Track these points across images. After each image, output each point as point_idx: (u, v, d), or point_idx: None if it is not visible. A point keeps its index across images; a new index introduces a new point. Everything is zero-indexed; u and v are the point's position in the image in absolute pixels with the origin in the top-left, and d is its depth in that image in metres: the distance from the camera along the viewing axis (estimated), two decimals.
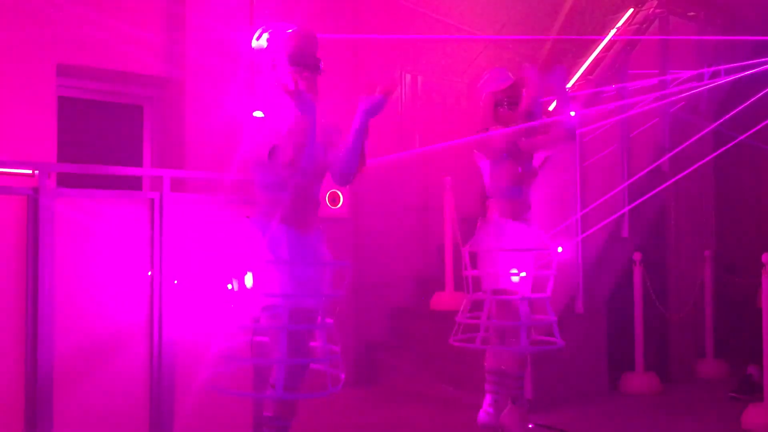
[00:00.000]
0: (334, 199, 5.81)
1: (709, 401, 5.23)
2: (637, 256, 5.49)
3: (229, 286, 3.00)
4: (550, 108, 4.98)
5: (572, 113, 3.84)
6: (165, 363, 3.54)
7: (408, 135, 6.55)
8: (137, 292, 3.53)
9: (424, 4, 6.69)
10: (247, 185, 3.32)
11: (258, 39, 3.09)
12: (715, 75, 6.12)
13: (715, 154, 4.52)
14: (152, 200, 3.57)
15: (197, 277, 3.64)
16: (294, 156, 2.85)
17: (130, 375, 3.49)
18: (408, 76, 6.64)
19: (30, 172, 3.45)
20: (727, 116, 4.33)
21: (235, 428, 3.72)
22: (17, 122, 4.79)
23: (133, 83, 5.50)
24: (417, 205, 6.47)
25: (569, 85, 6.54)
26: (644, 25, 6.19)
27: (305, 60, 3.02)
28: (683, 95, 5.68)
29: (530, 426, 4.17)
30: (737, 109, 4.42)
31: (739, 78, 6.04)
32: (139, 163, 5.62)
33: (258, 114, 3.01)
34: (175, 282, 3.53)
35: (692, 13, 6.32)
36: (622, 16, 6.73)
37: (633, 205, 4.33)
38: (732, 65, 5.75)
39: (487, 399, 4.06)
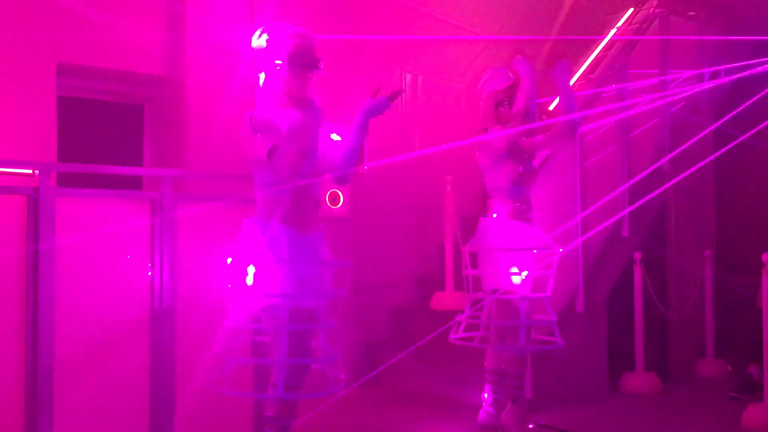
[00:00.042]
0: (335, 199, 5.81)
1: (709, 401, 5.23)
2: (637, 255, 5.49)
3: (229, 285, 3.01)
4: (551, 107, 4.98)
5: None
6: (166, 363, 3.54)
7: (408, 135, 6.55)
8: (138, 291, 3.52)
9: (424, 3, 6.69)
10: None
11: (258, 39, 3.09)
12: (715, 75, 6.12)
13: (715, 154, 4.53)
14: (153, 200, 3.56)
15: (198, 277, 3.63)
16: (297, 159, 2.86)
17: (130, 375, 3.49)
18: (408, 76, 6.64)
19: (30, 171, 3.45)
20: (728, 117, 4.33)
21: (235, 428, 3.72)
22: (17, 122, 4.79)
23: (133, 83, 5.50)
24: (417, 205, 6.47)
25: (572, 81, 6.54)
26: (644, 25, 6.19)
27: (304, 60, 3.03)
28: (683, 95, 5.68)
29: (530, 426, 4.18)
30: (738, 110, 4.42)
31: (739, 78, 6.04)
32: (139, 163, 5.62)
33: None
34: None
35: (692, 13, 6.32)
36: (622, 16, 6.73)
37: (634, 206, 4.34)
38: (732, 65, 5.76)
39: (488, 399, 4.07)
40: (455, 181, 6.07)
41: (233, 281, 2.95)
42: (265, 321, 2.96)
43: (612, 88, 5.62)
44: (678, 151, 4.90)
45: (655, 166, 5.25)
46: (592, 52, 6.72)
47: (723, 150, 4.38)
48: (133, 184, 5.26)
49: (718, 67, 6.05)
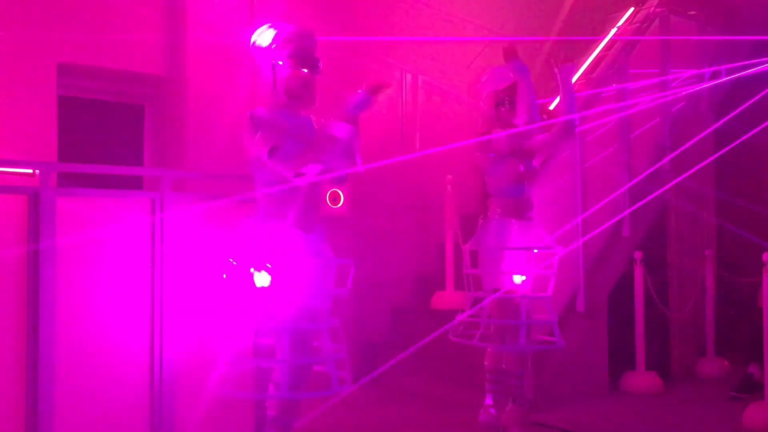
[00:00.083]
0: (335, 199, 5.81)
1: (710, 400, 5.23)
2: (637, 254, 5.48)
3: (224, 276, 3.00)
4: (552, 107, 4.98)
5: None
6: (166, 363, 3.53)
7: (409, 134, 6.55)
8: (138, 291, 3.52)
9: (428, 3, 6.68)
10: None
11: (258, 38, 3.10)
12: (715, 74, 6.12)
13: (716, 155, 4.52)
14: (153, 200, 3.56)
15: (198, 277, 3.63)
16: (301, 161, 2.87)
17: (131, 375, 3.49)
18: (408, 76, 6.64)
19: (31, 171, 3.45)
20: (728, 117, 4.32)
21: (236, 429, 3.72)
22: (18, 122, 4.79)
23: (133, 82, 5.50)
24: (417, 204, 6.47)
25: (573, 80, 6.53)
26: (645, 25, 6.19)
27: (304, 60, 3.03)
28: (683, 93, 5.68)
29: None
30: (738, 110, 4.41)
31: (739, 77, 6.03)
32: (139, 163, 5.62)
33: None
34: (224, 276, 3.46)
35: (693, 12, 6.32)
36: (623, 15, 6.73)
37: (635, 207, 4.34)
38: (732, 65, 5.75)
39: (488, 398, 4.07)
40: (456, 181, 6.07)
41: (239, 282, 2.95)
42: (267, 321, 2.96)
43: (612, 87, 5.62)
44: (679, 151, 4.90)
45: (655, 167, 5.25)
46: (593, 52, 6.72)
47: (724, 150, 4.37)
48: (134, 183, 5.27)
49: (719, 67, 6.05)
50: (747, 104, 4.45)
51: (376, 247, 6.12)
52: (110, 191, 3.56)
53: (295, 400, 3.01)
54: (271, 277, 2.90)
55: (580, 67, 6.53)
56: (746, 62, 5.27)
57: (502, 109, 3.99)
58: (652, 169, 5.23)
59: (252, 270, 2.91)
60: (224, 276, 2.97)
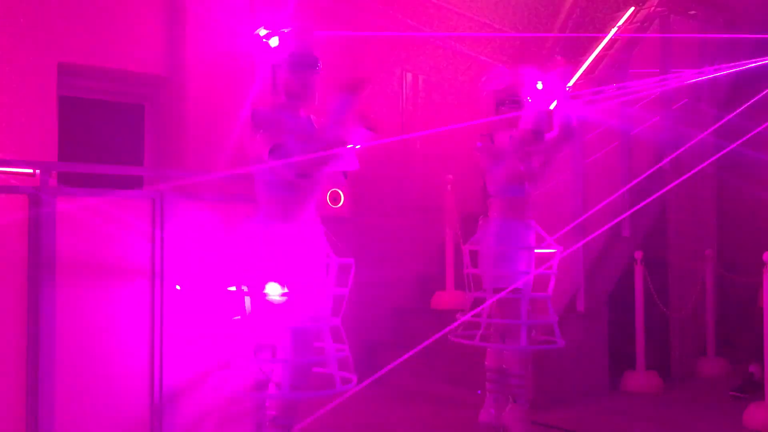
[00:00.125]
0: (335, 198, 5.81)
1: (710, 400, 5.22)
2: (638, 254, 5.48)
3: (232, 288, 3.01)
4: (552, 106, 4.97)
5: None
6: (166, 362, 3.53)
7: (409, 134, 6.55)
8: (139, 291, 3.52)
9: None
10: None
11: (258, 37, 3.10)
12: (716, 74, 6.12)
13: (718, 155, 4.51)
14: (153, 199, 3.56)
15: (199, 277, 3.63)
16: (307, 166, 2.87)
17: (131, 374, 3.49)
18: (409, 75, 6.64)
19: (31, 171, 3.45)
20: (729, 117, 4.32)
21: (236, 429, 3.72)
22: (18, 121, 4.79)
23: (134, 82, 5.50)
24: (418, 204, 6.47)
25: (571, 83, 6.52)
26: (645, 24, 6.19)
27: (304, 59, 3.03)
28: (682, 84, 5.68)
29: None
30: (738, 110, 4.41)
31: (740, 77, 6.03)
32: (139, 162, 5.62)
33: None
34: (178, 287, 3.52)
35: (693, 12, 6.32)
36: (623, 15, 6.73)
37: (636, 208, 4.33)
38: (732, 64, 5.75)
39: (488, 398, 4.07)
40: (456, 181, 6.07)
41: (242, 284, 2.95)
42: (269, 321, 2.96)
43: (613, 87, 5.62)
44: (680, 151, 4.89)
45: (656, 167, 5.24)
46: (593, 51, 6.72)
47: (725, 150, 4.37)
48: (134, 183, 5.26)
49: (719, 65, 6.04)
50: (748, 103, 4.45)
51: (376, 247, 6.12)
52: (110, 191, 3.56)
53: (295, 400, 3.01)
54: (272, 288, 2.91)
55: (581, 66, 6.53)
56: (747, 62, 5.27)
57: (504, 108, 3.99)
58: (652, 170, 5.23)
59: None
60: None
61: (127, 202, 3.54)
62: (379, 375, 3.04)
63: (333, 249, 3.12)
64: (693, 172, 4.24)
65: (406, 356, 3.05)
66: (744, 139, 4.37)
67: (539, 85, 3.86)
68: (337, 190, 5.75)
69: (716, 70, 6.07)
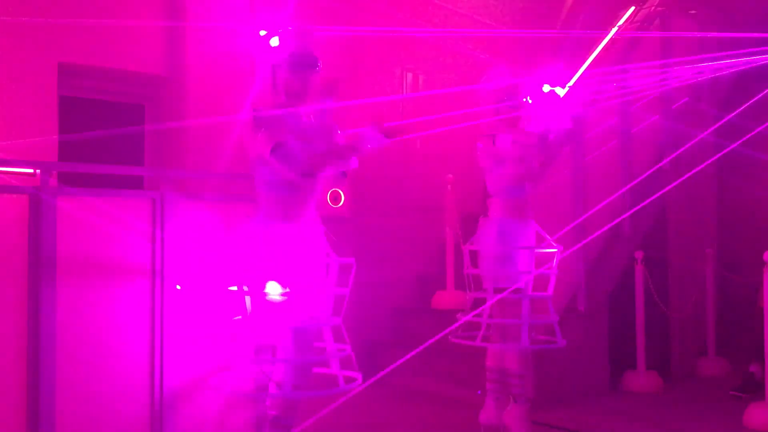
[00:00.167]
0: (336, 198, 5.81)
1: (710, 400, 5.22)
2: (638, 254, 5.48)
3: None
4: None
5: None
6: (167, 362, 3.54)
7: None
8: (139, 291, 3.52)
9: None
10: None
11: (258, 37, 3.10)
12: (716, 72, 6.11)
13: (719, 154, 4.51)
14: (153, 199, 3.56)
15: (199, 277, 3.63)
16: (310, 163, 2.88)
17: (132, 375, 3.49)
18: (409, 75, 6.64)
19: (32, 171, 3.45)
20: (730, 116, 4.32)
21: (236, 428, 3.72)
22: (19, 121, 4.79)
23: (134, 82, 5.50)
24: (418, 204, 6.47)
25: (571, 82, 6.51)
26: (645, 24, 6.19)
27: (304, 59, 3.03)
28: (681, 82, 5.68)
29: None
30: (739, 110, 4.40)
31: (740, 77, 6.02)
32: (140, 162, 5.62)
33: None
34: (178, 287, 3.53)
35: (693, 11, 6.32)
36: (624, 14, 6.72)
37: (637, 208, 4.33)
38: (732, 62, 5.74)
39: (489, 398, 4.06)
40: (456, 180, 6.07)
41: (243, 284, 2.95)
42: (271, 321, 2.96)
43: (613, 86, 5.61)
44: (680, 150, 4.89)
45: (657, 167, 5.24)
46: (594, 51, 6.71)
47: (726, 150, 4.37)
48: (135, 183, 5.27)
49: (720, 64, 6.04)
50: (749, 103, 4.44)
51: (376, 247, 6.12)
52: (111, 191, 3.56)
53: (295, 400, 3.02)
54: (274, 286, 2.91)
55: (581, 66, 6.52)
56: (747, 60, 5.26)
57: (503, 108, 3.98)
58: (653, 169, 5.23)
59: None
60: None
61: (127, 202, 3.55)
62: (381, 375, 3.04)
63: (333, 249, 3.12)
64: (693, 171, 4.24)
65: (407, 356, 3.05)
66: (744, 138, 4.37)
67: (546, 88, 3.86)
68: (337, 189, 5.75)
69: (716, 69, 6.07)
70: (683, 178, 4.32)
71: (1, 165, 3.78)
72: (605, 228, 4.25)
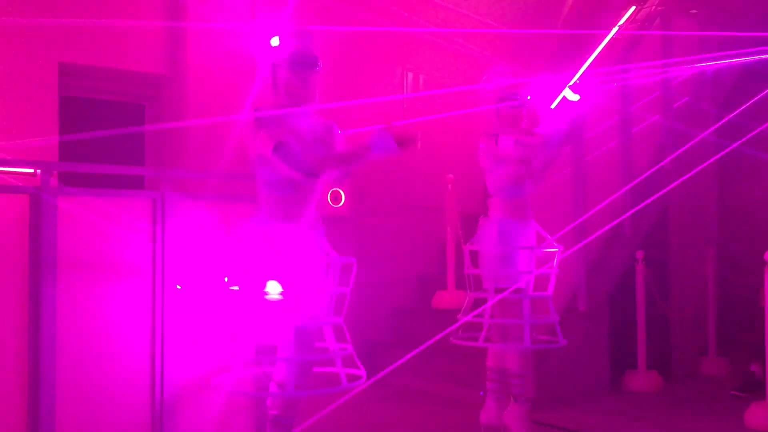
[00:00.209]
0: (336, 198, 5.81)
1: (711, 399, 5.22)
2: (639, 254, 5.48)
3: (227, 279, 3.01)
4: (553, 105, 4.97)
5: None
6: (168, 363, 3.53)
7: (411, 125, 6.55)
8: (140, 291, 3.52)
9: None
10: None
11: (259, 37, 3.10)
12: (717, 72, 6.11)
13: (720, 153, 4.51)
14: (154, 199, 3.56)
15: (200, 277, 3.63)
16: (318, 168, 2.89)
17: (133, 375, 3.49)
18: (410, 75, 6.64)
19: (32, 171, 3.45)
20: (731, 115, 4.32)
21: (237, 428, 3.72)
22: (19, 121, 4.79)
23: (134, 82, 5.50)
24: (419, 204, 6.48)
25: (573, 81, 6.51)
26: (646, 23, 6.18)
27: (304, 59, 3.03)
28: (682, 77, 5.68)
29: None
30: (740, 109, 4.40)
31: (741, 76, 6.02)
32: (140, 162, 5.63)
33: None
34: (178, 287, 3.53)
35: (694, 11, 6.31)
36: (624, 14, 6.72)
37: (638, 208, 4.33)
38: (733, 62, 5.74)
39: (489, 398, 4.06)
40: (457, 180, 6.06)
41: (244, 283, 2.95)
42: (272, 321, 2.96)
43: (614, 85, 5.61)
44: (681, 150, 4.89)
45: (657, 166, 5.24)
46: (594, 50, 6.71)
47: (728, 149, 4.36)
48: (135, 183, 5.27)
49: (721, 63, 6.04)
50: (750, 102, 4.44)
51: (377, 247, 6.12)
52: (111, 191, 3.56)
53: (296, 399, 3.02)
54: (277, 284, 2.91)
55: (581, 66, 6.51)
56: (747, 59, 5.25)
57: (504, 107, 3.97)
58: (653, 169, 5.23)
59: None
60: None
61: (127, 201, 3.54)
62: (382, 375, 3.04)
63: (334, 248, 3.12)
64: (694, 171, 4.23)
65: (408, 356, 3.05)
66: (745, 138, 4.37)
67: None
68: (337, 189, 5.75)
69: (716, 69, 6.07)
70: (684, 177, 4.32)
71: (2, 165, 3.78)
72: (606, 228, 4.24)
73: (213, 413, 3.64)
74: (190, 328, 3.60)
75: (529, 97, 4.01)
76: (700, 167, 4.34)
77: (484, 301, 3.91)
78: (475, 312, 3.82)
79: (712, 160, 5.01)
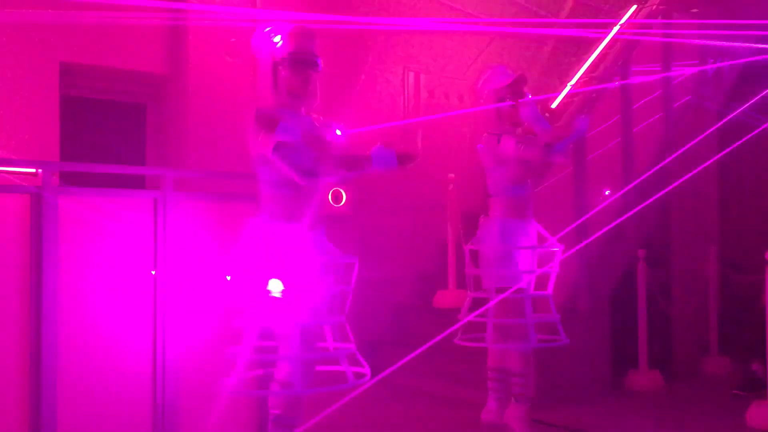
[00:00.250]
0: (337, 197, 5.81)
1: (713, 398, 5.22)
2: (640, 253, 5.47)
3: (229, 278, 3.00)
4: (554, 105, 4.97)
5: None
6: (169, 363, 3.54)
7: (411, 134, 6.55)
8: (141, 291, 3.52)
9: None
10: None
11: (260, 36, 3.10)
12: (719, 71, 6.11)
13: (722, 153, 4.51)
14: (155, 199, 3.56)
15: (201, 277, 3.63)
16: (313, 170, 2.89)
17: (134, 374, 3.49)
18: (411, 74, 6.64)
19: (33, 170, 3.46)
20: (733, 114, 4.32)
21: (238, 428, 3.72)
22: (20, 121, 4.80)
23: (135, 81, 5.51)
24: (420, 203, 6.47)
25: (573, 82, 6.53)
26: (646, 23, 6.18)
27: (305, 58, 3.03)
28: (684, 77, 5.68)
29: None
30: (741, 108, 4.40)
31: (743, 75, 6.02)
32: (141, 162, 5.63)
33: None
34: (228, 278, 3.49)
35: (695, 10, 6.31)
36: (625, 14, 6.73)
37: (639, 207, 4.33)
38: (733, 61, 5.74)
39: (491, 397, 4.06)
40: (458, 180, 6.06)
41: (245, 282, 2.95)
42: (275, 321, 2.96)
43: (615, 84, 5.61)
44: (683, 149, 4.89)
45: (659, 165, 5.25)
46: (595, 50, 6.72)
47: (730, 149, 4.37)
48: (136, 182, 5.27)
49: (722, 63, 6.04)
50: (752, 101, 4.44)
51: (378, 246, 6.12)
52: (112, 191, 3.57)
53: (300, 398, 3.02)
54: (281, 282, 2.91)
55: (582, 65, 6.52)
56: (748, 59, 5.25)
57: (504, 107, 3.97)
58: (655, 168, 5.23)
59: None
60: (228, 278, 2.99)
61: (129, 201, 3.55)
62: (384, 374, 3.04)
63: (336, 248, 3.12)
64: (696, 170, 4.23)
65: (410, 356, 3.05)
66: (747, 137, 4.37)
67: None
68: (339, 189, 5.75)
69: (718, 68, 6.06)
70: (686, 177, 4.31)
71: (3, 164, 3.78)
72: (606, 228, 4.24)
73: (215, 412, 3.64)
74: (192, 328, 3.60)
75: (530, 96, 4.00)
76: (701, 166, 4.34)
77: (483, 301, 3.90)
78: (477, 312, 3.82)
79: (714, 159, 5.02)
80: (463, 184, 6.05)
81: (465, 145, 6.31)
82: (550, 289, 3.97)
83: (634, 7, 6.65)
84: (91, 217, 3.39)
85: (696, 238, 6.16)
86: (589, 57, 6.76)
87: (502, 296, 3.72)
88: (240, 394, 3.25)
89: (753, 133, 4.28)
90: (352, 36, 5.82)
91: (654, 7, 6.23)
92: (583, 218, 4.60)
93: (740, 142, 4.29)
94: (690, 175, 4.31)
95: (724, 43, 5.75)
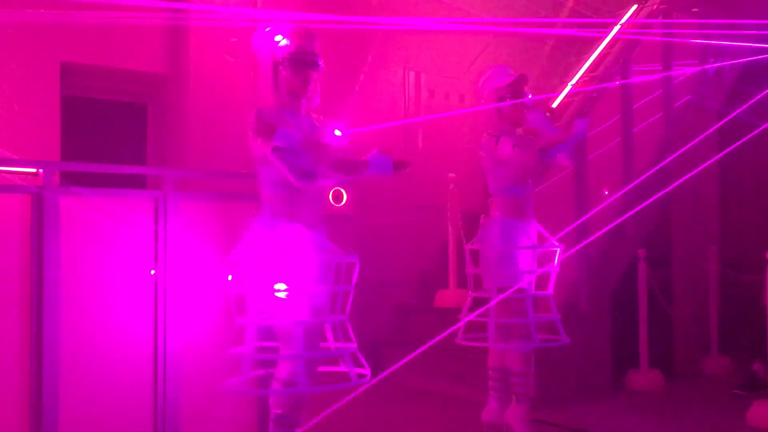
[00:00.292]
0: (338, 197, 5.81)
1: (713, 398, 5.22)
2: (641, 252, 5.47)
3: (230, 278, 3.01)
4: (554, 104, 4.97)
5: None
6: (170, 363, 3.54)
7: (412, 133, 6.55)
8: (142, 290, 3.53)
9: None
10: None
11: (260, 36, 3.10)
12: (719, 70, 6.11)
13: (722, 153, 4.51)
14: (156, 199, 3.57)
15: (202, 277, 3.64)
16: (311, 172, 2.90)
17: (135, 374, 3.49)
18: (411, 74, 6.64)
19: (34, 170, 3.46)
20: (733, 114, 4.32)
21: (239, 427, 3.72)
22: (21, 121, 4.80)
23: (136, 81, 5.51)
24: (420, 203, 6.48)
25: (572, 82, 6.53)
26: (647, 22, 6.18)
27: (305, 58, 3.03)
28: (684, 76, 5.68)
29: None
30: (742, 108, 4.40)
31: (744, 74, 6.01)
32: (142, 162, 5.63)
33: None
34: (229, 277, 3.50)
35: (695, 10, 6.31)
36: (626, 13, 6.72)
37: (640, 207, 4.33)
38: (734, 61, 5.74)
39: (491, 397, 4.06)
40: (459, 180, 6.06)
41: (246, 281, 2.95)
42: (278, 320, 2.96)
43: (615, 84, 5.61)
44: (683, 149, 4.89)
45: (660, 165, 5.25)
46: (596, 49, 6.71)
47: (730, 148, 4.37)
48: (137, 182, 5.27)
49: (723, 63, 6.04)
50: (752, 101, 4.44)
51: (378, 246, 6.12)
52: (113, 190, 3.57)
53: (301, 398, 3.02)
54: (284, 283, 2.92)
55: (583, 65, 6.51)
56: (748, 58, 5.25)
57: (504, 106, 3.96)
58: (655, 168, 5.23)
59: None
60: (229, 278, 3.00)
61: (130, 201, 3.55)
62: (386, 374, 3.04)
63: (336, 247, 3.12)
64: (696, 170, 4.23)
65: (411, 356, 3.06)
66: (748, 137, 4.36)
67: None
68: (339, 189, 5.75)
69: (719, 68, 6.06)
70: (687, 176, 4.31)
71: (4, 164, 3.79)
72: (607, 228, 4.24)
73: (216, 413, 3.64)
74: (193, 328, 3.61)
75: (530, 96, 4.00)
76: (701, 166, 4.34)
77: (484, 300, 3.90)
78: (478, 311, 3.82)
79: (715, 158, 5.02)
80: (464, 183, 6.05)
81: (465, 145, 6.31)
82: (550, 289, 3.97)
83: (635, 6, 6.64)
84: (91, 217, 3.40)
85: (696, 238, 6.16)
86: (590, 57, 6.76)
87: (503, 296, 3.72)
88: (243, 394, 3.25)
89: (753, 133, 4.28)
90: (352, 36, 5.82)
91: (654, 6, 6.23)
92: (584, 218, 4.60)
93: (740, 142, 4.29)
94: (690, 175, 4.31)
95: (725, 42, 5.76)
